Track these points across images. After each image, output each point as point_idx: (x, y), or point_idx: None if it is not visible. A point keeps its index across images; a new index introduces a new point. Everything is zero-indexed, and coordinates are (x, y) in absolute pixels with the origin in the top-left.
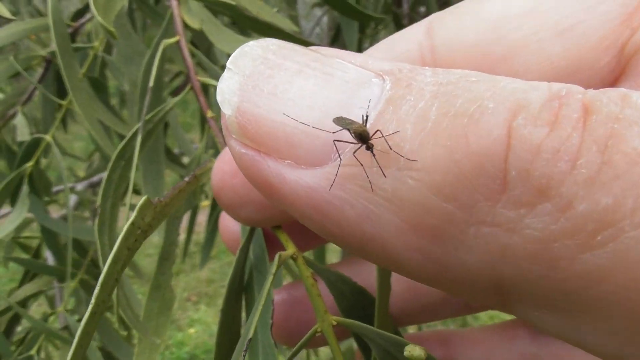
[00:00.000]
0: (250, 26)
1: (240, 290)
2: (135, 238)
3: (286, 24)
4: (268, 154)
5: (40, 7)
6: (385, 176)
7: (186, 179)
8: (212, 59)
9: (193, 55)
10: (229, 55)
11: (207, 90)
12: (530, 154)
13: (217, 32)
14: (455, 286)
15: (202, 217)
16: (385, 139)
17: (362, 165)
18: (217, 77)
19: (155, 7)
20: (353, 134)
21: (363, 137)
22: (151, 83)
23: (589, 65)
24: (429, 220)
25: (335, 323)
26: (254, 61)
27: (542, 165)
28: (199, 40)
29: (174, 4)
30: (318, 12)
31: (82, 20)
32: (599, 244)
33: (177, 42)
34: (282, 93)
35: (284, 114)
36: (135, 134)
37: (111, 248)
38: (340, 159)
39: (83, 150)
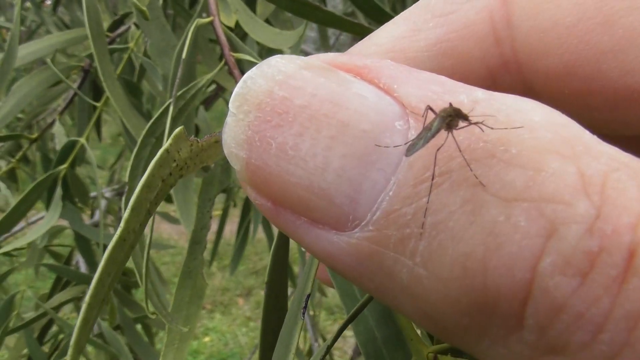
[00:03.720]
0: (286, 6)
1: (286, 259)
2: (170, 171)
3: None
4: (284, 208)
5: (64, 18)
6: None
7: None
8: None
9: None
10: (259, 46)
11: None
12: (551, 313)
13: (252, 23)
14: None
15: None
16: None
17: (381, 247)
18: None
19: (189, 11)
20: (440, 122)
21: (456, 116)
22: (184, 55)
23: None
24: (444, 323)
25: None
26: (260, 100)
27: (561, 327)
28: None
29: None
30: None
31: (119, 30)
32: None
33: (211, 23)
34: (292, 149)
35: (296, 176)
36: (166, 110)
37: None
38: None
39: (100, 160)
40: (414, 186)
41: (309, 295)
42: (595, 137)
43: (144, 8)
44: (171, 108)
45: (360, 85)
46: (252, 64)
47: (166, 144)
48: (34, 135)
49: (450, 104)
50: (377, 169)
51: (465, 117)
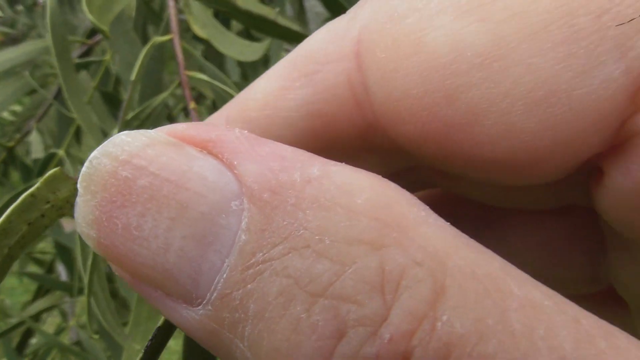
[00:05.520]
0: (245, 21)
1: None
2: (42, 213)
3: (289, 22)
4: (141, 281)
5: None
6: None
7: None
8: (223, 70)
9: (188, 54)
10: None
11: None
12: None
13: (221, 37)
14: None
15: None
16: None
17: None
18: (212, 76)
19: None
20: None
21: None
22: (133, 76)
23: (575, 148)
24: None
25: None
26: (105, 181)
27: None
28: (211, 54)
29: (171, 4)
30: None
31: (98, 37)
32: None
33: (171, 40)
34: (136, 230)
35: (142, 256)
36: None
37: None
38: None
39: None
40: (242, 272)
41: (158, 328)
42: (423, 215)
43: (104, 28)
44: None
45: (203, 163)
46: (206, 83)
47: (32, 189)
48: (12, 143)
49: None
50: (214, 251)
51: None
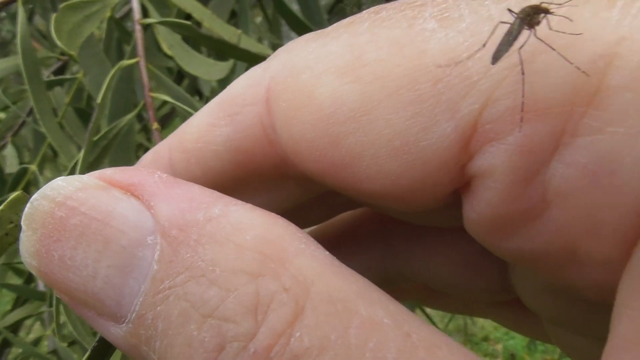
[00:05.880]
0: (207, 44)
1: None
2: (6, 232)
3: (250, 44)
4: (77, 303)
5: (43, 29)
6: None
7: None
8: (196, 84)
9: (156, 75)
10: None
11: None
12: None
13: (187, 57)
14: None
15: None
16: None
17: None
18: (177, 97)
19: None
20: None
21: (534, 13)
22: (99, 100)
23: (430, 186)
24: None
25: None
26: (44, 219)
27: None
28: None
29: (137, 28)
30: None
31: None
32: None
33: (137, 63)
34: (69, 260)
35: (75, 282)
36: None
37: None
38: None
39: None
40: (153, 296)
41: (99, 338)
42: (302, 247)
43: (73, 53)
44: (80, 162)
45: (125, 204)
46: (170, 104)
47: None
48: None
49: (535, 6)
50: (133, 278)
51: (546, 11)
